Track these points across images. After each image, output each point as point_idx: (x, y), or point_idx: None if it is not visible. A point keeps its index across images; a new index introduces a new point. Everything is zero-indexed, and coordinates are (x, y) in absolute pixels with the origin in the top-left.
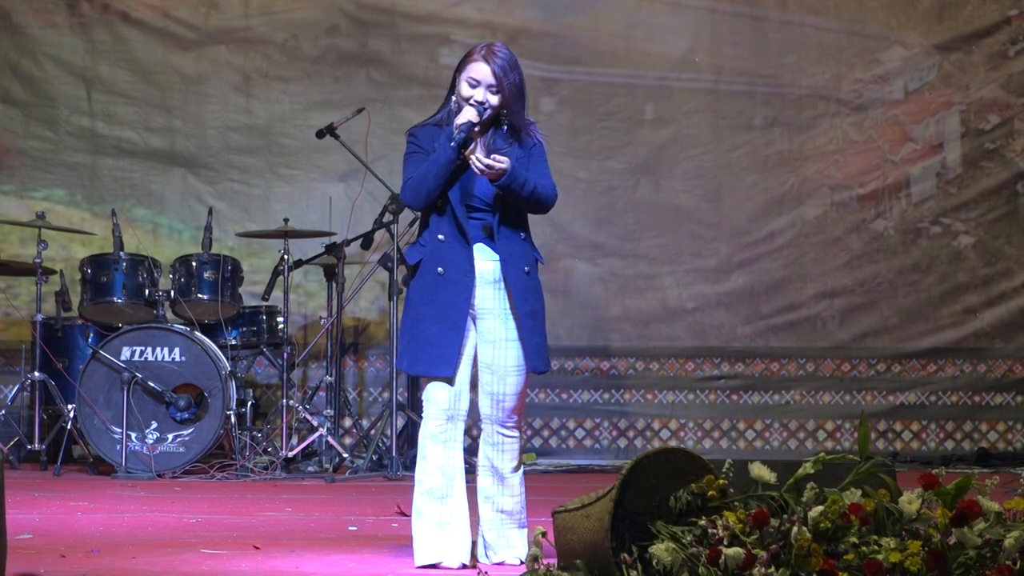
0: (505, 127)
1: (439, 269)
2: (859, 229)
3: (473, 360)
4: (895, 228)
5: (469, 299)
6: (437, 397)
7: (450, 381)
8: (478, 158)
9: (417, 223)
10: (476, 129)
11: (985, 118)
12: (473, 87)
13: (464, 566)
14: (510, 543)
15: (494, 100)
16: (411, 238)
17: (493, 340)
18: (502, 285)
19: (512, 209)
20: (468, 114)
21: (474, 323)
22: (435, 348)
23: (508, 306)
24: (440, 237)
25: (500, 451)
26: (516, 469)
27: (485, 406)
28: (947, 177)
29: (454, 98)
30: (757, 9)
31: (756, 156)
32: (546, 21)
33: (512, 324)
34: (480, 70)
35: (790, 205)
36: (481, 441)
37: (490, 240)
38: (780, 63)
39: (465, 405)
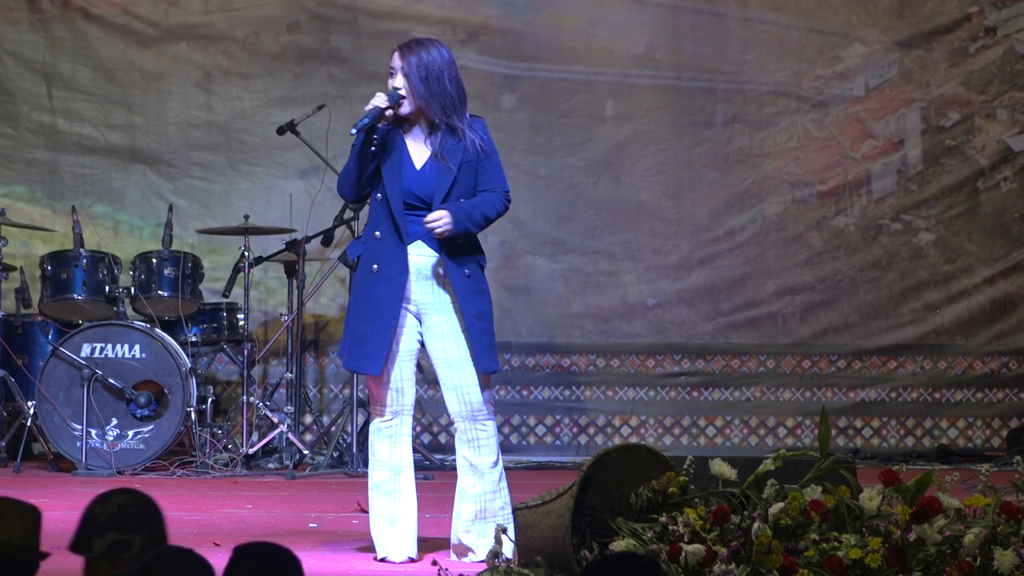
0: (444, 126)
1: (373, 266)
2: (820, 226)
3: (417, 356)
4: (856, 225)
5: (401, 297)
6: (379, 395)
7: (382, 379)
8: (425, 223)
9: None
10: (388, 114)
11: (946, 115)
12: (392, 76)
13: (411, 560)
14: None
15: (404, 90)
16: None
17: (441, 333)
18: (442, 280)
19: None
20: (377, 100)
21: (418, 319)
22: (366, 345)
23: (451, 301)
24: (377, 234)
25: (476, 447)
26: (496, 464)
27: (452, 403)
28: (908, 174)
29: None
30: (718, 6)
31: (717, 153)
32: (507, 18)
33: (458, 317)
34: (394, 59)
35: (751, 202)
36: (456, 440)
37: (429, 237)
38: (741, 60)
39: (410, 400)
